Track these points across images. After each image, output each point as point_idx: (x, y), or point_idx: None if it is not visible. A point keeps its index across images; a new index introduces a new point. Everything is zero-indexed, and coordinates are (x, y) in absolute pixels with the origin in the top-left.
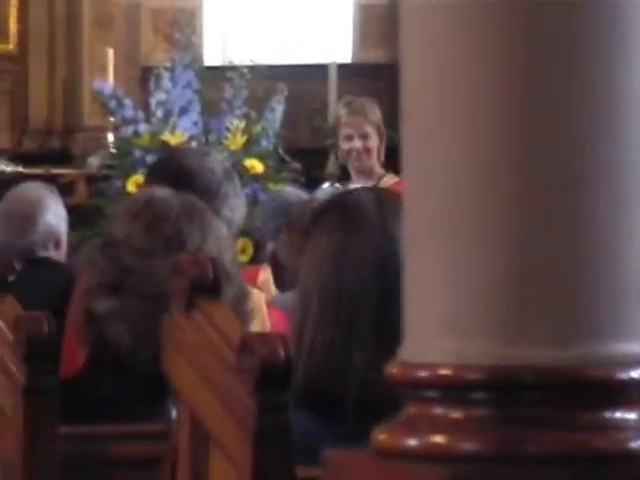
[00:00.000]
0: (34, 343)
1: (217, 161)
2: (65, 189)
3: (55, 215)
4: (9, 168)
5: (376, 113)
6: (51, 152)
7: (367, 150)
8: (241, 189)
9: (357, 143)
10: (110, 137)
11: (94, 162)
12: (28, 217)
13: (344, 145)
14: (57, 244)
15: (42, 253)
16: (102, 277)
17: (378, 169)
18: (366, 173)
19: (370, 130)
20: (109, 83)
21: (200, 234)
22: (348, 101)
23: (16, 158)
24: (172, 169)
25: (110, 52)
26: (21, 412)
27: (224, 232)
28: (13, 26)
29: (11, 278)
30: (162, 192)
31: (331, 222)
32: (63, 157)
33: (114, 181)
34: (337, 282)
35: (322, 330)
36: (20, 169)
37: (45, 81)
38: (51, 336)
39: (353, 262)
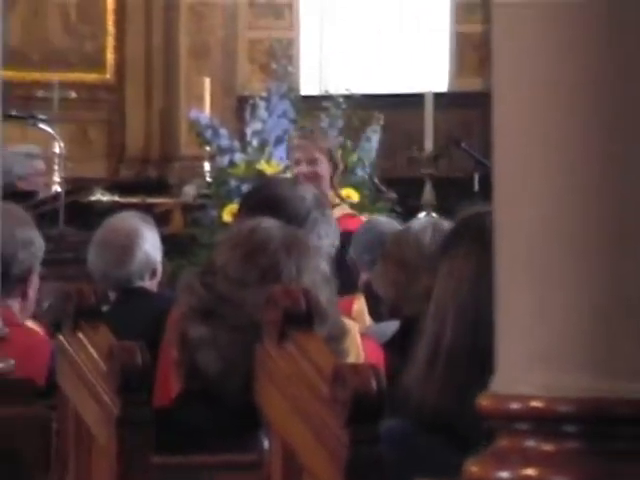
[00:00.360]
0: (128, 374)
1: (308, 190)
2: (161, 218)
3: (152, 245)
4: (105, 197)
5: (328, 140)
6: (147, 181)
7: (315, 176)
8: (333, 218)
9: (304, 168)
10: (206, 166)
11: (190, 191)
12: (126, 247)
13: (294, 169)
14: (153, 274)
15: (138, 283)
16: (197, 303)
17: (331, 197)
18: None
19: (319, 156)
20: (205, 113)
21: (296, 268)
22: (302, 126)
23: (112, 187)
24: (262, 197)
25: (207, 82)
26: (114, 443)
27: (323, 269)
28: (110, 56)
29: (105, 308)
30: (267, 223)
31: (467, 245)
32: (159, 186)
33: (210, 210)
34: (474, 308)
35: (457, 355)
36: (116, 198)
37: (142, 110)
38: (145, 367)
39: (489, 287)
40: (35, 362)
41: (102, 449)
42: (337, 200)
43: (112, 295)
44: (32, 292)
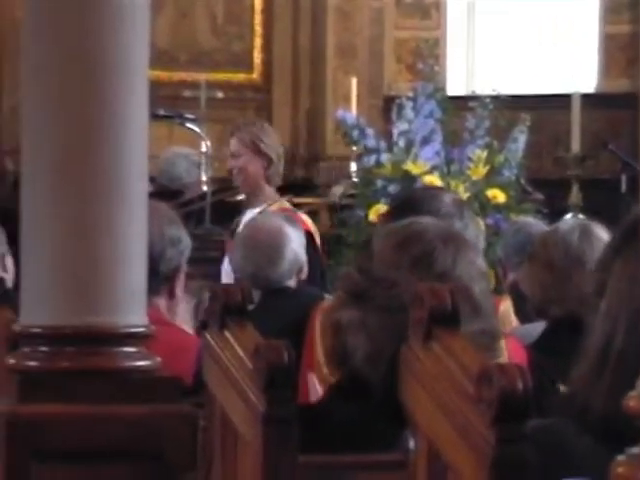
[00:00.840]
0: (274, 372)
1: (449, 192)
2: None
3: (298, 244)
4: None
5: (253, 135)
6: (294, 181)
7: (240, 170)
8: (474, 219)
9: (231, 162)
10: (352, 166)
11: (337, 191)
12: (276, 248)
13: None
14: (299, 273)
15: (287, 283)
16: (350, 287)
17: (268, 193)
18: (251, 194)
19: (242, 150)
20: (352, 113)
21: (451, 259)
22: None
23: None
24: (402, 197)
25: (353, 82)
26: (260, 440)
27: (479, 264)
28: (257, 56)
29: (251, 307)
30: (425, 218)
31: None
32: (305, 186)
33: (356, 210)
34: None
35: (627, 358)
36: None
37: (289, 110)
38: (290, 365)
39: None
40: (182, 360)
41: (248, 447)
42: (274, 195)
43: (257, 294)
44: (179, 290)
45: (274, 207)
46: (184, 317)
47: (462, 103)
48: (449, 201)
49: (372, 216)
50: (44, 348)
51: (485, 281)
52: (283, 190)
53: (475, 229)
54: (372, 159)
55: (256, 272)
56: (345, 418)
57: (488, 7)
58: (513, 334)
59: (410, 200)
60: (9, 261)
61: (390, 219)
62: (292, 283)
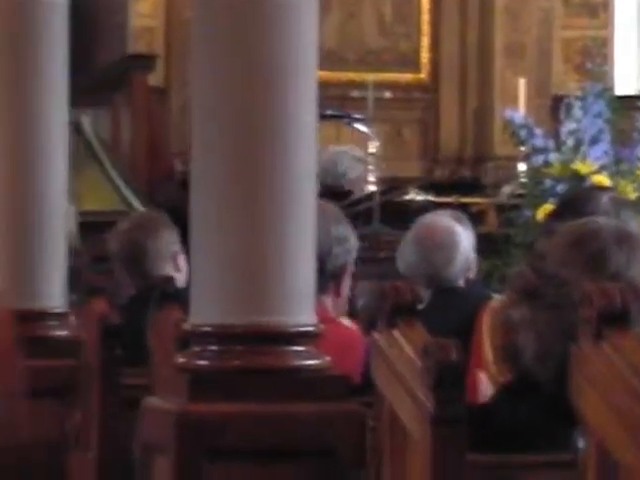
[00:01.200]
0: (443, 371)
1: (608, 191)
2: (475, 218)
3: (468, 243)
4: (419, 197)
5: None
6: (461, 181)
7: None
8: (634, 219)
9: None
10: (521, 166)
11: (506, 191)
12: (451, 248)
13: None
14: (467, 272)
15: (459, 282)
16: (522, 284)
17: None
18: None
19: None
20: (520, 112)
21: (626, 259)
22: None
23: (426, 186)
24: (563, 198)
25: (521, 81)
26: (429, 440)
27: None
28: (425, 55)
29: (420, 306)
30: (600, 218)
31: None
32: (473, 186)
33: (524, 210)
34: None
35: None
36: (430, 198)
37: (456, 110)
38: (459, 364)
39: None
40: (350, 359)
41: (416, 446)
42: None
43: (425, 294)
44: (345, 289)
45: None
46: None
47: (631, 103)
48: (606, 200)
49: (540, 216)
50: (214, 347)
51: None
52: (449, 189)
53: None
54: (540, 159)
55: (432, 272)
56: (514, 417)
57: None
58: None
59: (570, 200)
60: (182, 260)
61: (552, 219)
62: (462, 282)
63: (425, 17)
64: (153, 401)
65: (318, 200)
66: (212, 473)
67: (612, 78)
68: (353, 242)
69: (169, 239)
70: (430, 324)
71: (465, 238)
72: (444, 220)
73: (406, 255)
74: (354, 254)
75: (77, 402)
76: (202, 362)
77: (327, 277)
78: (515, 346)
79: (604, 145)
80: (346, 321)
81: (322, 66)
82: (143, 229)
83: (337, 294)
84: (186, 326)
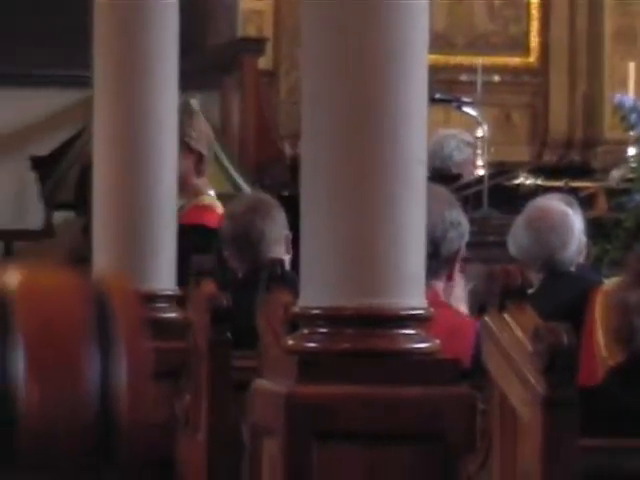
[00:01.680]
0: (554, 354)
1: None
2: (585, 202)
3: (580, 227)
4: (528, 181)
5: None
6: (571, 165)
7: None
8: None
9: None
10: (630, 150)
11: (616, 175)
12: (567, 231)
13: None
14: (579, 256)
15: (572, 267)
16: (638, 267)
17: (194, 185)
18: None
19: None
20: (630, 96)
21: None
22: None
23: (536, 171)
24: None
25: (631, 66)
26: (540, 423)
27: None
28: (534, 39)
29: (530, 290)
30: None
31: None
32: (582, 170)
33: (634, 195)
34: None
35: None
36: (539, 182)
37: (566, 94)
38: (571, 347)
39: None
40: (461, 342)
41: (527, 429)
42: (205, 190)
43: (536, 277)
44: (456, 273)
45: (196, 200)
46: (460, 300)
47: None
48: None
49: None
50: (323, 329)
51: None
52: (559, 174)
53: None
54: None
55: (546, 255)
56: (625, 399)
57: None
58: None
59: None
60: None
61: None
62: (574, 267)
63: (534, 1)
64: (262, 383)
65: (429, 183)
66: (321, 455)
67: None
68: (465, 226)
69: (281, 222)
70: (540, 308)
71: (577, 221)
72: (557, 203)
73: (518, 238)
74: (466, 238)
75: (187, 384)
76: (311, 344)
77: (441, 262)
78: (630, 328)
79: None
80: (463, 307)
81: (431, 50)
82: (258, 212)
83: (450, 278)
84: (295, 308)
